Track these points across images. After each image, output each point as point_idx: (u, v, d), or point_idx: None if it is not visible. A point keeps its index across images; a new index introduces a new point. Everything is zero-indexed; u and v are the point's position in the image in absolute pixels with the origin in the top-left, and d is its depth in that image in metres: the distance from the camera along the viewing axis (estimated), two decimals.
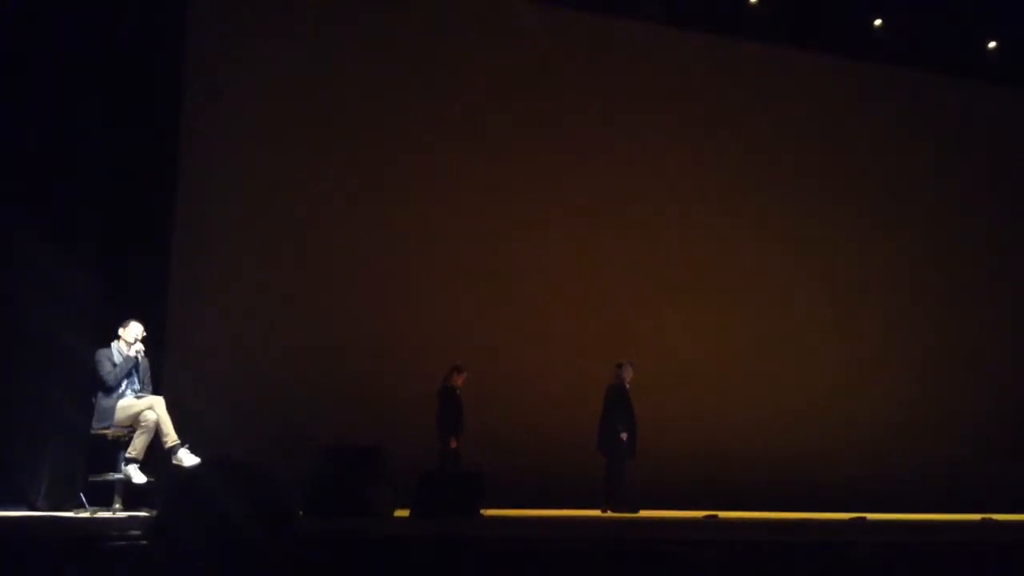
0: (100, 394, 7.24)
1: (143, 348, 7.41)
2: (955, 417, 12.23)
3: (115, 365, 7.26)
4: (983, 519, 9.10)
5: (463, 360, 9.63)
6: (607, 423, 9.81)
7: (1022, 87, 13.07)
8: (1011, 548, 5.78)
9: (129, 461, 7.09)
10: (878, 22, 12.22)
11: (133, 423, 7.15)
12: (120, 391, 7.25)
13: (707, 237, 11.82)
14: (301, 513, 7.03)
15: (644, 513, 9.37)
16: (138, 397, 7.26)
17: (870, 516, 9.07)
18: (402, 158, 10.64)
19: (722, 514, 9.14)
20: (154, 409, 7.14)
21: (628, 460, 9.72)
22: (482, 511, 8.22)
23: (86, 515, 7.03)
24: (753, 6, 11.84)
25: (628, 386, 9.95)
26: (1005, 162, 13.23)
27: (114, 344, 7.36)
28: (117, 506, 7.18)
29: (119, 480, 7.18)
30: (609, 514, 9.40)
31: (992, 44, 12.59)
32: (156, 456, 7.23)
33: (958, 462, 11.81)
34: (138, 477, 7.05)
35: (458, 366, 9.58)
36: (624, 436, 9.69)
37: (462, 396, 9.52)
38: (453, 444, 9.29)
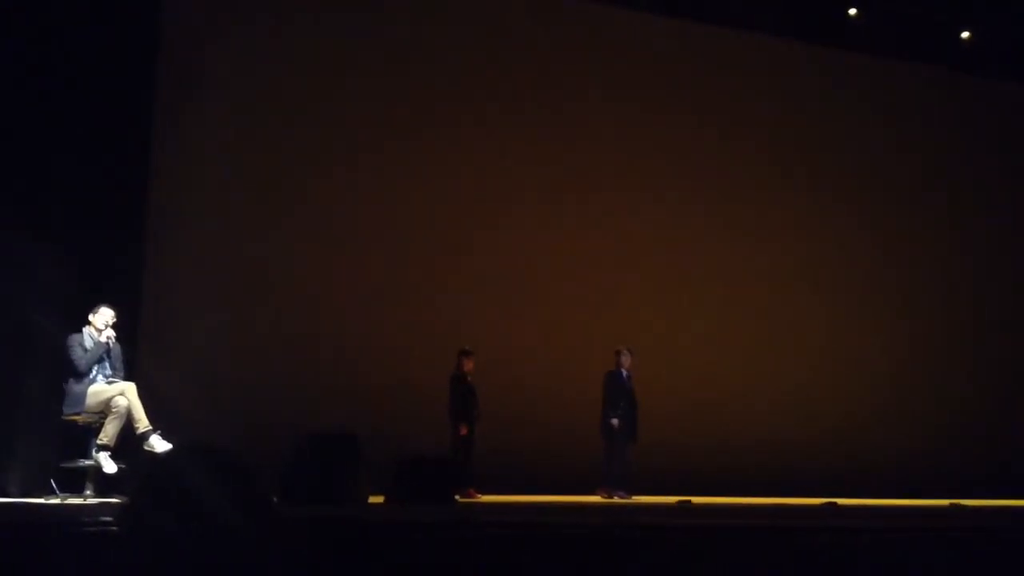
0: (71, 379, 7.18)
1: (114, 334, 7.34)
2: (927, 407, 12.38)
3: (86, 350, 7.19)
4: (952, 504, 9.22)
5: (470, 345, 9.61)
6: (604, 409, 9.86)
7: (1004, 79, 13.21)
8: (979, 532, 5.86)
9: (100, 448, 7.04)
10: (853, 11, 12.27)
11: (104, 409, 7.09)
12: (91, 377, 7.19)
13: (694, 230, 11.86)
14: (275, 499, 7.02)
15: (616, 500, 9.42)
16: (109, 383, 7.20)
17: (840, 501, 9.16)
18: (382, 146, 10.57)
19: (695, 499, 9.21)
20: (125, 395, 7.09)
21: (628, 444, 9.75)
22: (457, 497, 8.25)
23: (57, 501, 6.98)
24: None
25: (627, 372, 9.98)
26: (988, 156, 13.35)
27: (85, 330, 7.29)
28: (88, 492, 7.13)
29: (90, 466, 7.13)
30: (609, 498, 9.43)
31: (965, 34, 12.68)
32: (128, 442, 7.18)
33: (929, 449, 11.97)
34: (109, 467, 7.00)
35: (465, 350, 9.52)
36: (615, 422, 9.71)
37: (474, 382, 9.46)
38: (463, 431, 9.25)
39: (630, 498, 9.44)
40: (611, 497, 9.48)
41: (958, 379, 12.66)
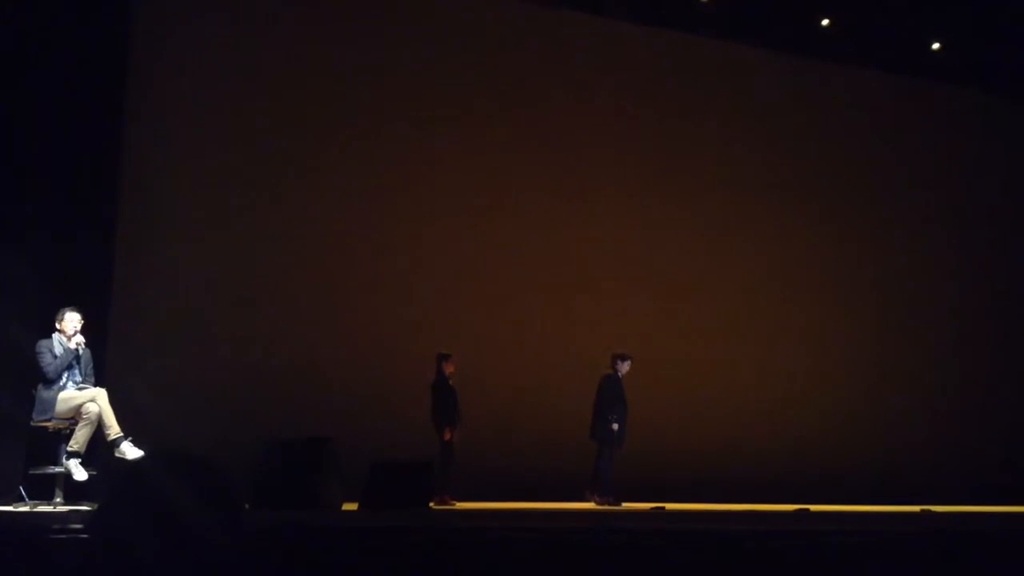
0: (40, 386, 7.11)
1: (83, 339, 7.27)
2: (899, 414, 12.47)
3: (56, 356, 7.12)
4: (922, 510, 9.30)
5: (447, 348, 9.54)
6: (599, 412, 9.78)
7: (970, 86, 13.39)
8: (949, 538, 5.92)
9: (71, 455, 6.96)
10: (825, 22, 12.42)
11: (75, 415, 7.02)
12: (61, 383, 7.12)
13: (673, 237, 11.90)
14: (247, 505, 6.97)
15: (582, 506, 9.41)
16: (80, 389, 7.13)
17: (813, 507, 9.22)
18: (357, 148, 10.53)
19: (669, 505, 9.24)
20: (96, 401, 7.02)
21: (617, 449, 9.70)
22: (432, 504, 8.23)
23: (26, 509, 6.90)
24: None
25: (623, 379, 9.90)
26: (961, 162, 13.51)
27: (55, 336, 7.21)
28: (58, 499, 7.06)
29: (60, 473, 7.05)
30: (593, 505, 9.40)
31: (936, 45, 12.86)
32: (98, 449, 7.11)
33: (900, 455, 12.08)
34: (79, 474, 6.92)
35: (444, 354, 9.43)
36: (615, 427, 9.65)
37: (456, 386, 9.39)
38: (447, 436, 9.18)
39: (619, 504, 9.41)
40: (604, 504, 9.43)
41: (932, 387, 12.76)
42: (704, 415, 11.46)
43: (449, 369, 9.40)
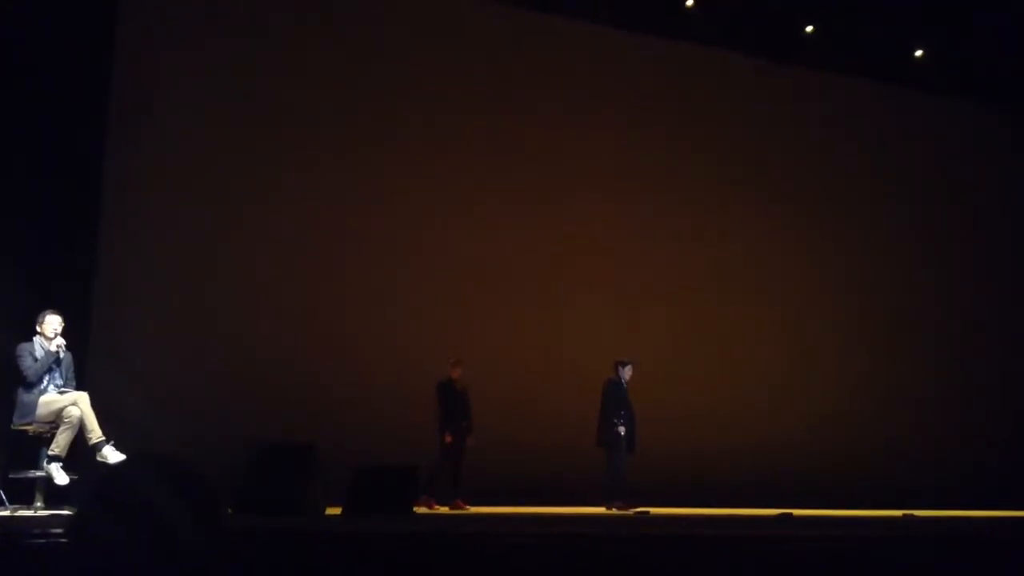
0: (21, 389, 7.06)
1: (64, 342, 7.22)
2: (885, 418, 12.54)
3: (36, 360, 7.07)
4: (904, 515, 9.34)
5: (457, 353, 9.58)
6: (604, 418, 9.78)
7: (951, 95, 13.50)
8: (931, 542, 5.95)
9: (52, 459, 6.92)
10: (809, 28, 12.52)
11: (56, 419, 6.98)
12: (42, 386, 7.07)
13: (660, 239, 11.96)
14: (230, 510, 6.94)
15: (569, 509, 9.40)
16: (61, 392, 7.08)
17: (796, 512, 9.24)
18: (342, 150, 10.50)
19: (654, 510, 9.24)
20: (78, 405, 6.98)
21: (628, 455, 9.68)
22: (416, 508, 8.21)
23: (6, 513, 6.85)
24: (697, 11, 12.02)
25: (626, 384, 9.89)
26: (938, 167, 13.62)
27: (36, 339, 7.17)
28: (38, 504, 7.01)
29: (40, 477, 7.01)
30: (614, 511, 9.38)
31: (918, 52, 12.98)
32: (80, 453, 7.06)
33: (882, 460, 12.14)
34: (60, 478, 6.88)
35: (454, 359, 9.49)
36: (621, 430, 9.64)
37: (463, 390, 9.44)
38: (448, 439, 9.19)
39: (629, 510, 9.39)
40: (611, 509, 9.43)
41: (915, 392, 12.83)
42: (687, 420, 11.46)
43: (454, 373, 9.48)
